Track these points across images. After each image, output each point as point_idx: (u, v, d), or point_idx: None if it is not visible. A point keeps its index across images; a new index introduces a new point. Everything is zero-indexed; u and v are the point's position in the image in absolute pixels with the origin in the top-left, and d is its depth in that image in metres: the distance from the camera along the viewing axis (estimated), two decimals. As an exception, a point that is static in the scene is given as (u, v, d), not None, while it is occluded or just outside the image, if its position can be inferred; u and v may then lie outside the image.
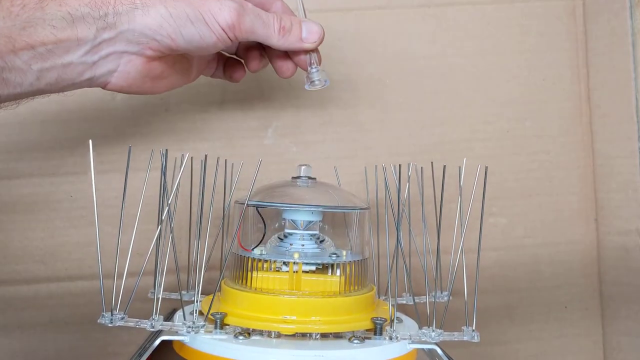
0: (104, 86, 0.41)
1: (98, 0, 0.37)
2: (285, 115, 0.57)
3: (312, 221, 0.44)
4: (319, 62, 0.46)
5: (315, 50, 0.45)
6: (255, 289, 0.41)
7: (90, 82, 0.40)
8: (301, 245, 0.43)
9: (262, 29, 0.42)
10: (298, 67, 0.47)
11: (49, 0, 0.36)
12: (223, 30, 0.40)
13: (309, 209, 0.43)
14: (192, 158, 0.43)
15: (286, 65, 0.47)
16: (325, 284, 0.41)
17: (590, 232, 0.58)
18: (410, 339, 0.39)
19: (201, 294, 0.39)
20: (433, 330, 0.38)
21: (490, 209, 0.57)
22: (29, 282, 0.54)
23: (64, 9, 0.37)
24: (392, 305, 0.40)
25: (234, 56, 0.50)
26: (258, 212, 0.45)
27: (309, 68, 0.45)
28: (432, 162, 0.44)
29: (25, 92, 0.38)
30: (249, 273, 0.41)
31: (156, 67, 0.42)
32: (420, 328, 0.39)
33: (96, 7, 0.37)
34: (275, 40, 0.43)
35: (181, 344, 0.39)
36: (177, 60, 0.43)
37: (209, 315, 0.39)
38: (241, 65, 0.50)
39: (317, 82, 0.45)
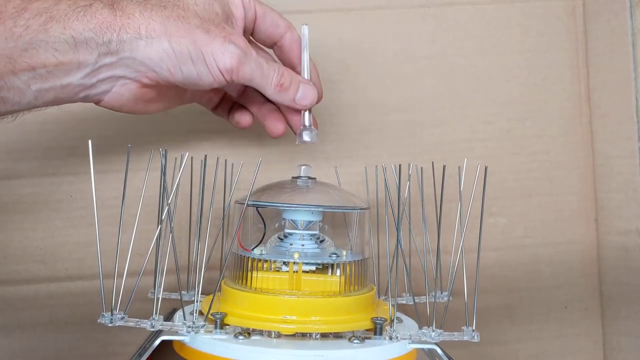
0: (96, 102, 0.42)
1: (103, 25, 0.37)
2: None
3: (312, 221, 0.44)
4: (314, 123, 0.47)
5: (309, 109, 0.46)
6: (255, 289, 0.41)
7: (85, 99, 0.41)
8: (301, 245, 0.43)
9: (260, 79, 0.42)
10: None
11: (53, 23, 0.36)
12: (221, 72, 0.40)
13: (309, 209, 0.43)
14: (192, 158, 0.43)
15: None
16: (325, 283, 0.41)
17: (590, 232, 0.58)
18: (410, 338, 0.39)
19: (201, 294, 0.39)
20: (433, 330, 0.38)
21: (490, 209, 0.57)
22: (29, 282, 0.54)
23: (67, 33, 0.36)
24: (392, 305, 0.40)
25: (242, 104, 0.51)
26: (258, 212, 0.45)
27: (301, 126, 0.46)
28: (432, 162, 0.44)
29: (22, 109, 0.38)
30: (249, 273, 0.41)
31: (149, 92, 0.42)
32: (420, 328, 0.39)
33: (100, 32, 0.37)
34: (270, 92, 0.43)
35: (181, 344, 0.39)
36: (172, 87, 0.43)
37: (209, 315, 0.39)
38: (248, 112, 0.50)
39: (305, 140, 0.46)
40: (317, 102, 0.46)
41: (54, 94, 0.38)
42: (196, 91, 0.48)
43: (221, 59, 0.39)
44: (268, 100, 0.48)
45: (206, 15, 0.40)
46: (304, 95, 0.44)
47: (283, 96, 0.44)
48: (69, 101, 0.40)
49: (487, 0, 0.59)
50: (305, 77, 0.46)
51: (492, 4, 0.59)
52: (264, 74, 0.42)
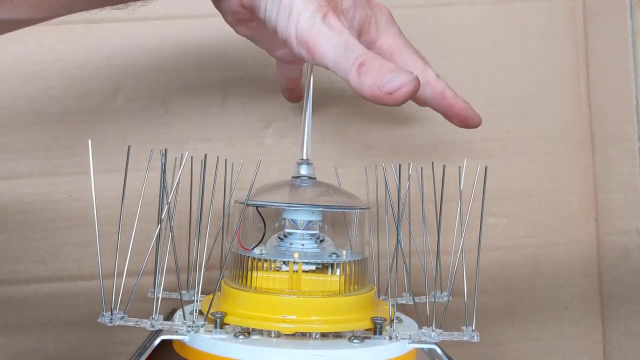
0: None
1: None
2: (285, 115, 0.57)
3: (312, 221, 0.44)
4: None
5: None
6: (255, 288, 0.41)
7: None
8: (301, 244, 0.43)
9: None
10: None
11: None
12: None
13: (309, 208, 0.43)
14: (192, 158, 0.43)
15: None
16: (325, 283, 0.41)
17: (590, 232, 0.58)
18: (410, 338, 0.39)
19: (201, 293, 0.39)
20: (433, 330, 0.38)
21: (490, 209, 0.57)
22: (29, 282, 0.54)
23: None
24: (392, 305, 0.40)
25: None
26: (258, 211, 0.45)
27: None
28: (432, 162, 0.44)
29: None
30: (249, 272, 0.41)
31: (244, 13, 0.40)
32: (420, 328, 0.39)
33: None
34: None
35: (181, 343, 0.39)
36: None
37: (209, 315, 0.39)
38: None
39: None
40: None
41: None
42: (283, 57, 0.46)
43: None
44: None
45: None
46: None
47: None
48: None
49: (487, 0, 0.59)
50: (307, 124, 0.45)
51: (492, 4, 0.59)
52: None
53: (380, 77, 0.33)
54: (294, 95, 0.54)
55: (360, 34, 0.40)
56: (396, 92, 0.33)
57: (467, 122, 0.43)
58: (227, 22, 0.42)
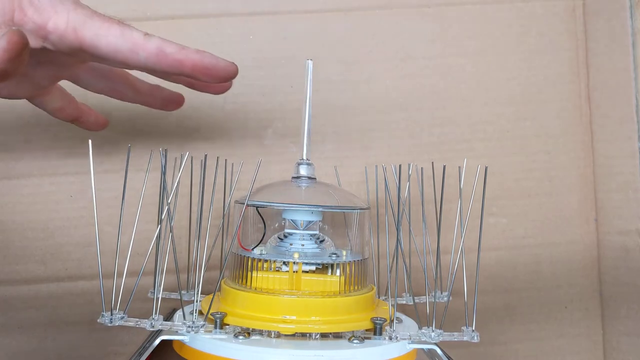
0: None
1: None
2: (285, 115, 0.57)
3: (312, 221, 0.44)
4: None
5: None
6: (255, 288, 0.41)
7: None
8: (301, 245, 0.43)
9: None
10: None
11: None
12: None
13: (309, 208, 0.43)
14: (192, 158, 0.43)
15: None
16: (325, 283, 0.41)
17: (590, 232, 0.58)
18: (410, 339, 0.39)
19: (201, 293, 0.39)
20: (433, 331, 0.38)
21: (490, 209, 0.57)
22: (29, 282, 0.54)
23: None
24: (392, 305, 0.40)
25: None
26: (258, 212, 0.45)
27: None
28: (432, 162, 0.44)
29: None
30: (249, 273, 0.41)
31: None
32: (420, 328, 0.39)
33: None
34: None
35: (181, 343, 0.39)
36: None
37: (209, 315, 0.39)
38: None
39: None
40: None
41: None
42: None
43: None
44: None
45: None
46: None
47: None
48: None
49: (487, 0, 0.59)
50: (307, 124, 0.45)
51: (492, 4, 0.59)
52: None
53: None
54: (69, 114, 0.48)
55: (12, 24, 0.35)
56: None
57: (214, 73, 0.36)
58: None
